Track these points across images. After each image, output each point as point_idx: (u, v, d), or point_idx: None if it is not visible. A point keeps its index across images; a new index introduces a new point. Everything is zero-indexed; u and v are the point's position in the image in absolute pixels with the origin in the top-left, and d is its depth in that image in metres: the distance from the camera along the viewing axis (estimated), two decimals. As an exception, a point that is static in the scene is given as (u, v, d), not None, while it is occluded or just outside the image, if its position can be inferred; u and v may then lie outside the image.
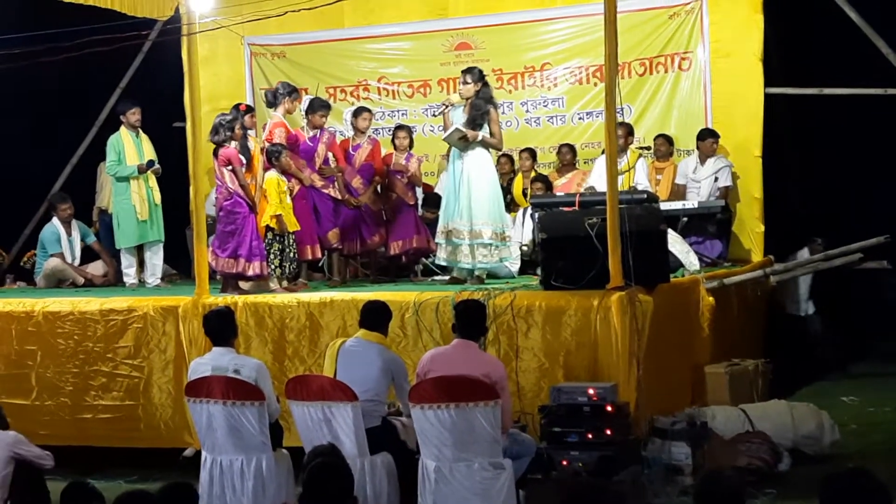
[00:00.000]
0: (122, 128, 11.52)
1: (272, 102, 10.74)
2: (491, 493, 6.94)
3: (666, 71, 12.37)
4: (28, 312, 10.03)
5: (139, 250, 11.59)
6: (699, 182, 11.87)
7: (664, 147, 12.12)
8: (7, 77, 10.53)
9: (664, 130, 12.26)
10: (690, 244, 10.92)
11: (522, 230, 11.52)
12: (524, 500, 7.42)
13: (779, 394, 9.74)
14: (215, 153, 9.97)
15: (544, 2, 12.90)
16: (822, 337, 12.41)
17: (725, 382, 9.31)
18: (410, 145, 11.07)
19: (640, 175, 11.50)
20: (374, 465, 7.33)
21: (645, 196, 9.79)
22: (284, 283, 10.03)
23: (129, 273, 11.55)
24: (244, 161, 9.93)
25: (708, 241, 11.58)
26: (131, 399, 9.69)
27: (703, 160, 11.90)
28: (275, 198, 10.01)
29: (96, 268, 12.26)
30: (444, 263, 10.40)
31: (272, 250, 9.99)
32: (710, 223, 11.59)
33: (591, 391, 7.84)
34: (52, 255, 12.01)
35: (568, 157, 12.35)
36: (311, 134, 10.76)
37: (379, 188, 11.03)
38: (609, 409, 7.78)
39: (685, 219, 11.39)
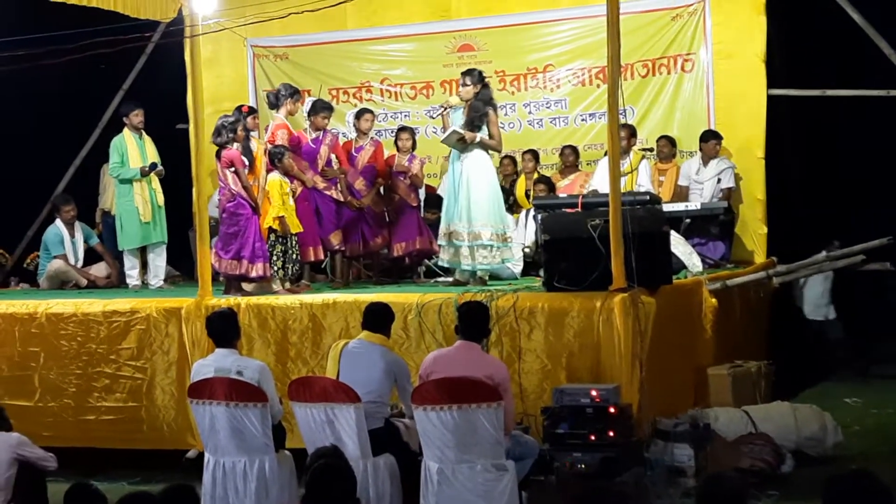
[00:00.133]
0: (125, 130, 11.53)
1: (274, 104, 10.75)
2: (493, 494, 6.94)
3: (669, 72, 12.38)
4: (31, 314, 10.04)
5: (142, 252, 11.59)
6: (702, 183, 11.87)
7: (667, 148, 12.12)
8: (10, 79, 10.54)
9: (667, 132, 12.26)
10: (693, 246, 10.92)
11: (525, 232, 11.52)
12: (527, 502, 7.42)
13: (781, 395, 9.74)
14: (218, 155, 9.97)
15: (547, 3, 12.89)
16: (842, 341, 12.45)
17: (728, 384, 9.31)
18: (413, 147, 11.07)
19: (642, 177, 11.50)
20: (376, 466, 7.33)
21: (647, 197, 9.79)
22: (287, 285, 10.04)
23: (132, 275, 11.55)
24: (247, 163, 9.93)
25: (711, 242, 11.58)
26: (134, 401, 9.69)
27: (705, 162, 11.90)
28: (277, 199, 10.01)
29: (99, 269, 12.26)
30: (446, 265, 10.41)
31: (275, 252, 9.99)
32: (713, 225, 11.59)
33: (593, 393, 7.84)
34: (55, 257, 12.01)
35: (571, 159, 12.35)
36: (314, 136, 10.77)
37: (381, 190, 11.04)
38: (612, 410, 7.78)
39: (688, 220, 11.39)
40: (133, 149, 11.40)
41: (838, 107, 12.31)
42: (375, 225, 10.90)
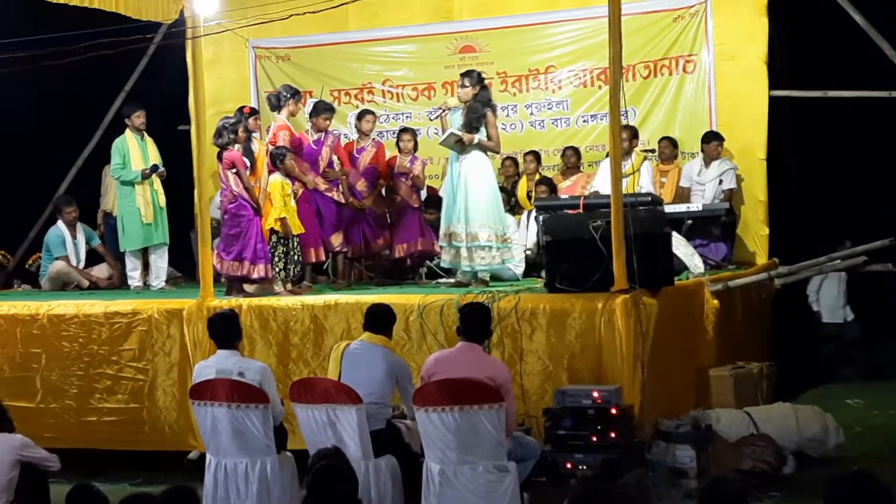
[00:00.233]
0: (127, 131, 11.52)
1: (276, 106, 10.74)
2: (495, 496, 6.94)
3: (670, 73, 12.37)
4: (33, 315, 10.04)
5: (144, 253, 11.58)
6: (703, 185, 11.86)
7: (668, 150, 12.12)
8: (12, 80, 10.54)
9: (668, 133, 12.25)
10: (695, 247, 10.90)
11: (527, 233, 11.52)
12: (528, 503, 7.42)
13: (783, 397, 9.73)
14: (219, 156, 9.97)
15: (548, 5, 12.89)
16: (858, 342, 12.49)
17: (730, 385, 9.30)
18: (415, 148, 11.07)
19: (644, 178, 11.49)
20: (378, 467, 7.33)
21: (649, 199, 9.79)
22: (289, 286, 10.03)
23: (134, 276, 11.55)
24: (248, 164, 9.94)
25: (712, 243, 11.57)
26: (136, 402, 9.70)
27: (707, 163, 11.89)
28: (279, 201, 10.01)
29: (101, 271, 12.27)
30: (447, 266, 10.41)
31: (276, 253, 9.99)
32: (715, 226, 11.59)
33: (595, 394, 7.84)
34: (56, 258, 12.01)
35: (572, 160, 12.35)
36: (316, 137, 10.77)
37: (383, 191, 11.03)
38: (613, 411, 7.78)
39: (689, 221, 11.38)
40: (135, 150, 11.40)
41: (840, 108, 12.30)
42: (377, 226, 10.90)
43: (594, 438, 7.71)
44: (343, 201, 10.70)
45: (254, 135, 10.38)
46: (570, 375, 8.40)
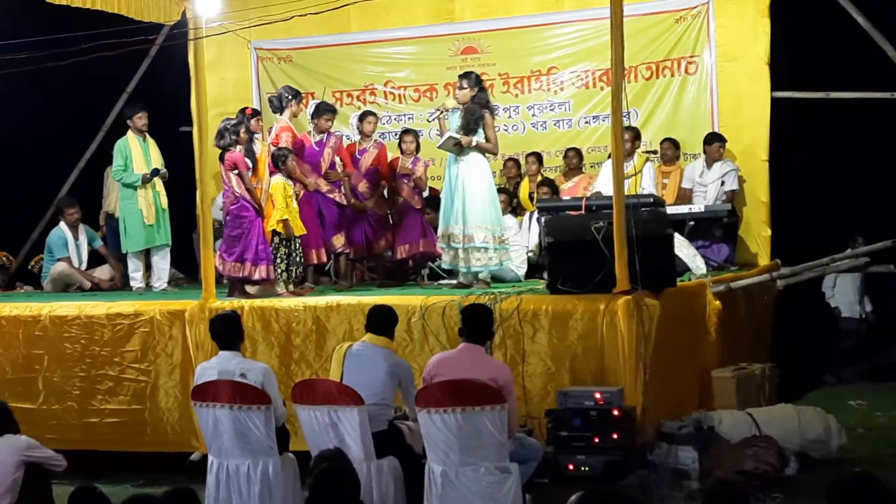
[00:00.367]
0: (129, 132, 11.52)
1: (278, 107, 10.75)
2: (497, 497, 6.93)
3: (672, 75, 12.37)
4: (35, 316, 10.05)
5: (146, 254, 11.58)
6: (706, 186, 11.86)
7: (670, 151, 12.10)
8: (14, 81, 10.55)
9: (671, 134, 12.24)
10: (697, 248, 10.90)
11: (529, 234, 11.51)
12: (530, 504, 7.42)
13: (786, 398, 9.73)
14: (221, 157, 9.97)
15: (551, 6, 12.88)
16: (874, 339, 12.60)
17: (732, 386, 9.30)
18: (417, 149, 11.07)
19: (646, 179, 11.49)
20: (380, 469, 7.33)
21: (651, 200, 9.79)
22: (291, 287, 10.04)
23: (136, 277, 11.55)
24: (250, 165, 9.94)
25: (715, 244, 11.57)
26: (138, 403, 9.71)
27: (709, 164, 11.89)
28: (281, 202, 10.01)
29: (103, 272, 12.27)
30: (448, 268, 10.41)
31: (279, 254, 10.00)
32: (717, 227, 11.59)
33: (597, 395, 7.84)
34: (59, 260, 12.02)
35: (574, 161, 12.35)
36: (318, 138, 10.77)
37: (385, 192, 11.03)
38: (616, 413, 7.78)
39: (692, 223, 11.38)
40: (137, 151, 11.40)
41: (842, 109, 12.29)
42: (379, 228, 10.90)
43: (596, 440, 7.71)
44: (345, 203, 10.70)
45: (256, 136, 10.38)
46: (573, 377, 8.40)
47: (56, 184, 13.88)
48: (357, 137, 11.19)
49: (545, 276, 9.40)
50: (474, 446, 6.92)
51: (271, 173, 10.18)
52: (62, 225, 12.20)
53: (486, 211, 9.85)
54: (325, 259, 10.69)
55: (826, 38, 12.43)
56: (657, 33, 12.34)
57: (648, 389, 8.16)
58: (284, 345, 9.31)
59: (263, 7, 10.76)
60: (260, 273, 9.82)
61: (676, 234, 9.68)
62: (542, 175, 12.30)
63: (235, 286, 9.99)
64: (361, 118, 11.08)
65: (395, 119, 13.27)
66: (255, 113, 10.71)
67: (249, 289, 10.02)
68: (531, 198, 11.95)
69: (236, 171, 9.81)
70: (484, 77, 10.87)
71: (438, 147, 10.16)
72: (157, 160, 11.48)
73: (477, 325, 7.42)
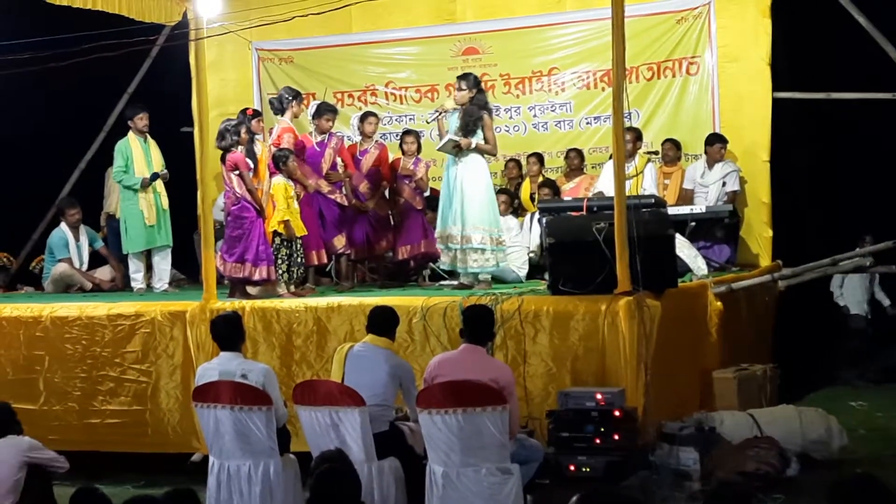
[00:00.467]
0: (130, 133, 11.52)
1: (279, 109, 10.75)
2: (499, 498, 6.93)
3: (674, 75, 12.37)
4: (36, 317, 10.04)
5: (147, 255, 11.59)
6: (707, 187, 11.86)
7: (672, 152, 12.10)
8: (16, 82, 10.54)
9: (672, 135, 12.24)
10: (698, 249, 10.91)
11: (530, 235, 11.51)
12: (532, 505, 7.42)
13: (787, 399, 9.72)
14: (222, 158, 9.97)
15: (552, 7, 12.88)
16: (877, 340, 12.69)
17: (734, 387, 9.29)
18: (418, 150, 11.07)
19: (647, 180, 11.49)
20: (381, 470, 7.33)
21: (653, 201, 9.78)
22: (292, 288, 10.03)
23: (137, 278, 11.55)
24: (251, 166, 9.94)
25: (716, 245, 11.57)
26: (139, 404, 9.70)
27: (710, 165, 11.89)
28: (282, 203, 10.01)
29: (104, 273, 12.27)
30: (447, 268, 10.41)
31: (280, 255, 10.00)
32: (718, 228, 11.59)
33: (598, 396, 7.83)
34: (60, 261, 12.02)
35: (576, 162, 12.34)
36: (319, 139, 10.77)
37: (386, 193, 11.03)
38: (617, 414, 7.77)
39: (693, 223, 11.38)
40: (138, 152, 11.39)
41: (843, 110, 12.29)
42: (380, 228, 10.90)
43: (597, 441, 7.71)
44: (346, 203, 10.70)
45: (256, 137, 10.39)
46: (574, 377, 8.39)
47: (57, 184, 13.88)
48: (358, 138, 11.20)
49: (546, 276, 9.40)
50: (475, 447, 6.91)
51: (272, 174, 10.18)
52: (63, 226, 12.20)
53: (483, 212, 9.85)
54: (325, 260, 10.69)
55: (827, 39, 12.43)
56: (658, 34, 12.34)
57: (650, 390, 8.16)
58: (285, 346, 9.31)
59: (264, 7, 10.75)
60: (261, 274, 9.82)
61: (678, 235, 9.68)
62: (543, 176, 12.30)
63: (236, 287, 9.99)
64: (362, 119, 11.08)
65: (396, 120, 13.27)
66: (256, 114, 10.72)
67: (250, 289, 10.02)
68: (532, 198, 11.95)
69: (237, 172, 9.81)
70: (485, 78, 10.92)
71: (438, 150, 10.16)
72: (157, 161, 11.47)
73: (478, 325, 7.42)
